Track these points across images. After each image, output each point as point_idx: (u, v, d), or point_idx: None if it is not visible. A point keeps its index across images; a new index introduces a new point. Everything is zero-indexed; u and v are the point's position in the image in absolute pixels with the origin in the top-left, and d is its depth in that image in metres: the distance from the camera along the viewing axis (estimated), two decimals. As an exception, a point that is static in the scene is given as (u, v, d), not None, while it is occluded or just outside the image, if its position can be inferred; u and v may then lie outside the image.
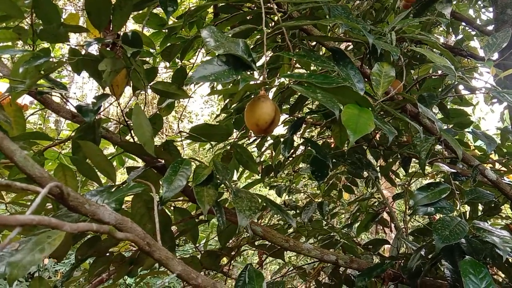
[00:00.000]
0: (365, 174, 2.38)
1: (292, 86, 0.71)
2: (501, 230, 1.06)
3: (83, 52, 1.09)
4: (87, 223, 0.55)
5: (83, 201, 0.63)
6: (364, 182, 2.61)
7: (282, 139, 1.48)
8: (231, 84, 1.64)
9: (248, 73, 0.75)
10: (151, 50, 1.58)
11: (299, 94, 1.52)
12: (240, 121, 1.84)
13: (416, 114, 1.39)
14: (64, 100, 1.04)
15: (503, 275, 1.40)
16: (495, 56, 1.68)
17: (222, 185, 1.02)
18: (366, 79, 1.29)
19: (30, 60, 0.83)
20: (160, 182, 1.01)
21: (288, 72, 0.79)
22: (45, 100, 1.10)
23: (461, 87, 2.30)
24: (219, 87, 2.36)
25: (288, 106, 1.91)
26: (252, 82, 0.72)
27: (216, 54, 0.76)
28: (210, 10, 1.73)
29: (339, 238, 2.18)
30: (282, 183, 3.01)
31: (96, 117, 1.00)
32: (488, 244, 1.00)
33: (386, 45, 0.94)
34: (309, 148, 2.27)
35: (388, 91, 0.97)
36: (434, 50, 1.34)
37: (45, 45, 1.33)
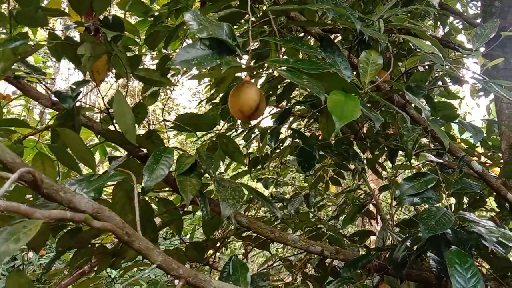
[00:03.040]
0: (352, 166, 2.38)
1: (278, 71, 0.69)
2: (487, 221, 1.06)
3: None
4: (60, 211, 0.52)
5: (58, 188, 0.61)
6: (351, 174, 2.61)
7: (269, 131, 1.46)
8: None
9: (232, 57, 0.73)
10: (136, 40, 1.54)
11: (285, 83, 1.50)
12: (227, 112, 1.81)
13: (403, 105, 1.38)
14: (44, 87, 1.01)
15: (487, 266, 1.40)
16: (483, 48, 1.68)
17: (207, 175, 1.00)
18: (353, 70, 1.27)
19: (5, 42, 0.79)
20: (133, 178, 0.98)
21: (273, 58, 0.77)
22: (24, 87, 1.06)
23: (448, 80, 2.31)
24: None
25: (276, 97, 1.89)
26: (236, 66, 0.70)
27: (199, 37, 0.74)
28: (198, -3, 1.69)
29: (325, 230, 2.18)
30: (269, 176, 3.00)
31: (76, 104, 0.97)
32: (474, 235, 0.99)
33: (374, 32, 0.92)
34: (296, 140, 2.26)
35: (374, 80, 0.95)
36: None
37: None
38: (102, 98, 1.05)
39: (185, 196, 0.84)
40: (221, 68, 0.66)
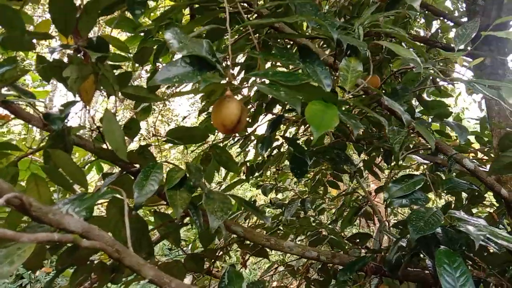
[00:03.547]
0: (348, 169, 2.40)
1: (256, 85, 0.71)
2: (477, 219, 1.07)
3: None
4: (47, 234, 0.54)
5: (47, 210, 0.62)
6: (349, 177, 2.63)
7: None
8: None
9: (213, 73, 0.75)
10: (127, 56, 1.56)
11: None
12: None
13: (391, 108, 1.40)
14: (33, 109, 1.03)
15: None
16: (469, 46, 1.70)
17: (199, 188, 1.02)
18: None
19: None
20: (123, 195, 1.00)
21: (254, 71, 0.78)
22: (15, 109, 1.08)
23: (438, 79, 2.32)
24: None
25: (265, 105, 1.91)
26: (215, 83, 0.72)
27: (180, 55, 0.76)
28: (187, 12, 1.72)
29: (327, 234, 2.19)
30: (268, 183, 3.02)
31: (66, 125, 0.99)
32: (463, 234, 1.01)
33: (353, 39, 0.94)
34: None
35: (358, 84, 0.97)
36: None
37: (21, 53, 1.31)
38: (92, 118, 1.07)
39: (175, 210, 0.86)
40: (199, 85, 0.68)
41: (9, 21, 0.95)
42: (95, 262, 1.27)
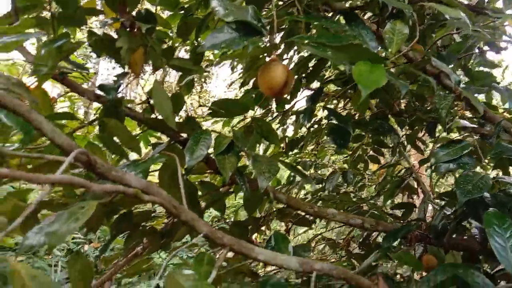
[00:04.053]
0: (389, 142, 2.36)
1: (302, 45, 0.72)
2: (528, 184, 1.04)
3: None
4: (114, 185, 0.59)
5: (110, 167, 0.67)
6: (391, 151, 2.59)
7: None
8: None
9: (259, 37, 0.77)
10: (169, 33, 1.61)
11: (314, 63, 1.52)
12: (260, 97, 1.86)
13: (437, 75, 1.37)
14: (88, 81, 1.09)
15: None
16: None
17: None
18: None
19: (51, 42, 0.87)
20: (176, 160, 1.05)
21: (300, 35, 0.79)
22: (69, 83, 1.15)
23: (486, 48, 2.22)
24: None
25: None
26: (262, 46, 0.74)
27: (226, 22, 0.78)
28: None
29: (368, 209, 2.18)
30: (307, 159, 3.02)
31: (118, 95, 1.04)
32: (513, 197, 0.99)
33: (398, 2, 0.92)
34: (331, 119, 2.27)
35: (401, 50, 0.96)
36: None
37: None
38: (142, 88, 1.12)
39: (224, 173, 0.89)
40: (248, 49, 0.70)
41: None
42: (147, 228, 1.35)
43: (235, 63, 2.60)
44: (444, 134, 2.19)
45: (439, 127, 2.06)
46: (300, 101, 2.47)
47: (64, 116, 1.06)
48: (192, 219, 0.76)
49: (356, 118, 2.18)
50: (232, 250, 0.78)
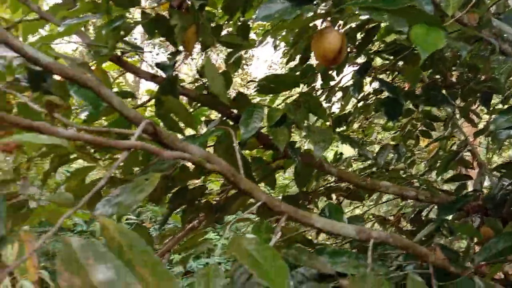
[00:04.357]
0: (442, 116, 2.28)
1: (359, 10, 0.71)
2: None
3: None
4: (181, 152, 0.62)
5: (174, 138, 0.71)
6: (443, 125, 2.50)
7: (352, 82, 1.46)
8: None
9: (311, 5, 0.77)
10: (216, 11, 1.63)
11: (363, 34, 1.48)
12: (306, 73, 1.84)
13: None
14: (144, 60, 1.13)
15: None
16: None
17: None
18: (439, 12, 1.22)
19: (109, 23, 0.91)
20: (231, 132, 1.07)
21: (353, 0, 0.78)
22: (126, 64, 1.20)
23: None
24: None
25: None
26: (315, 14, 0.74)
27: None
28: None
29: (419, 185, 2.13)
30: (355, 136, 2.98)
31: (174, 73, 1.08)
32: None
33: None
34: (379, 95, 2.22)
35: (455, 16, 0.92)
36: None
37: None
38: (196, 66, 1.15)
39: (279, 144, 0.91)
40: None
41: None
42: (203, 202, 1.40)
43: (278, 41, 2.59)
44: (500, 106, 2.08)
45: (495, 98, 1.96)
46: (345, 78, 2.44)
47: (126, 94, 1.11)
48: (251, 188, 0.78)
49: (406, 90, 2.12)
50: (290, 217, 0.80)
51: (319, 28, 0.82)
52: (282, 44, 2.65)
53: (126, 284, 0.36)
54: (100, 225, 0.44)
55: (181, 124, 1.13)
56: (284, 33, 2.47)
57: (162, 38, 1.23)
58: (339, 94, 2.49)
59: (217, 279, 0.64)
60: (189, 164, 1.32)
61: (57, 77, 0.89)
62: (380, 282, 0.74)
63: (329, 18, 0.80)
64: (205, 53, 1.47)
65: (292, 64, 1.87)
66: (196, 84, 1.30)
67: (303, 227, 1.05)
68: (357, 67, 1.68)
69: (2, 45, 0.86)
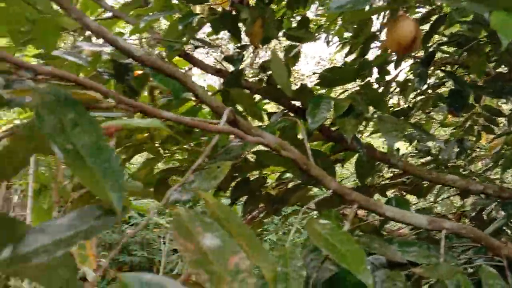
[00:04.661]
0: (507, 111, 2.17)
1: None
2: None
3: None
4: (262, 138, 0.65)
5: (250, 126, 0.74)
6: (507, 120, 2.38)
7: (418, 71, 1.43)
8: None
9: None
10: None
11: (430, 24, 1.45)
12: (365, 65, 1.82)
13: None
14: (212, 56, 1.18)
15: None
16: None
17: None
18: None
19: (184, 17, 0.96)
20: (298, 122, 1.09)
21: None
22: (193, 59, 1.25)
23: None
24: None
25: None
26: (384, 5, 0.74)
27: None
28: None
29: (480, 182, 2.05)
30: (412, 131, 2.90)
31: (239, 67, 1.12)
32: None
33: None
34: (441, 86, 2.16)
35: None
36: None
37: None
38: (260, 59, 1.18)
39: (347, 134, 0.92)
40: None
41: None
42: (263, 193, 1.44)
43: (330, 37, 2.58)
44: None
45: None
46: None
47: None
48: (322, 175, 0.80)
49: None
50: (361, 206, 0.81)
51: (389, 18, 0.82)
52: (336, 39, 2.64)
53: (232, 251, 0.39)
54: (205, 200, 0.48)
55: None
56: (337, 28, 2.46)
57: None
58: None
59: (294, 260, 0.66)
60: (249, 156, 1.36)
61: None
62: (453, 271, 0.74)
63: (403, 8, 0.80)
64: (262, 47, 1.50)
65: (345, 58, 1.86)
66: (256, 78, 1.33)
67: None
68: (418, 60, 1.64)
69: (83, 41, 0.93)
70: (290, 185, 1.58)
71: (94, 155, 0.39)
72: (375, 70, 1.85)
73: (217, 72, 1.28)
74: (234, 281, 0.37)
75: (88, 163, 0.38)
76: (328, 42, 2.79)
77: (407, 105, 2.33)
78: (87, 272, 4.12)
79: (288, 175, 1.66)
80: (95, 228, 0.39)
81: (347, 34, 2.58)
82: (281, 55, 1.37)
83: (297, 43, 1.42)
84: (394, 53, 1.34)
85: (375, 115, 0.97)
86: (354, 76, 1.39)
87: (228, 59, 1.09)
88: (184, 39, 1.01)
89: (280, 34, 1.26)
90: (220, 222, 0.45)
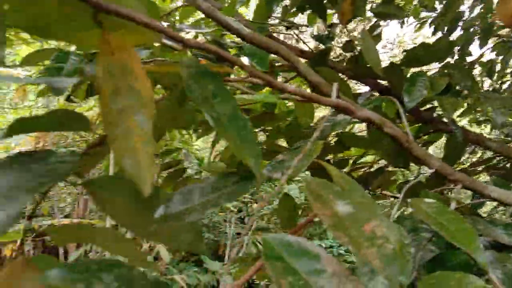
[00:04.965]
0: None
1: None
2: None
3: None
4: (371, 112, 0.64)
5: (352, 102, 0.73)
6: None
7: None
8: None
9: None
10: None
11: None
12: (453, 44, 1.73)
13: None
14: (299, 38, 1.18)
15: None
16: None
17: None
18: None
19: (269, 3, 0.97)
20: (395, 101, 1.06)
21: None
22: (277, 41, 1.26)
23: None
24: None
25: None
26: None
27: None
28: None
29: None
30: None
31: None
32: None
33: None
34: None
35: None
36: None
37: None
38: (352, 40, 1.16)
39: (447, 112, 0.88)
40: None
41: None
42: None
43: (406, 18, 2.47)
44: None
45: None
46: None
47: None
48: (424, 154, 0.78)
49: None
50: (465, 186, 0.78)
51: None
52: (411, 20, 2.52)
53: (366, 218, 0.40)
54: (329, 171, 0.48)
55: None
56: (412, 7, 2.34)
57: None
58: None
59: (402, 237, 0.66)
60: (329, 139, 1.36)
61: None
62: None
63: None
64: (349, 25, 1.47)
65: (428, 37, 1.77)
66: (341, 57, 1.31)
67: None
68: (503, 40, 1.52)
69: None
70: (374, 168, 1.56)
71: (232, 123, 0.41)
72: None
73: (302, 53, 1.28)
74: (372, 246, 0.37)
75: (229, 130, 0.40)
76: (402, 23, 2.68)
77: (492, 87, 2.19)
78: (162, 252, 4.37)
79: (363, 159, 1.64)
80: (235, 190, 0.41)
81: (424, 14, 2.46)
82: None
83: (380, 23, 1.38)
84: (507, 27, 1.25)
85: (474, 94, 0.91)
86: (445, 55, 1.32)
87: (318, 38, 1.08)
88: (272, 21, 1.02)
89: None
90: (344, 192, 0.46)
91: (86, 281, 0.24)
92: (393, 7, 1.14)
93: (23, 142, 3.93)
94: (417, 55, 1.30)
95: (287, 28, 1.16)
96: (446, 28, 1.63)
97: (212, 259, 4.91)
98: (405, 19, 2.50)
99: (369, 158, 1.81)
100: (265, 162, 0.73)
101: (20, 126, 0.31)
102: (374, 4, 1.67)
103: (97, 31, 0.36)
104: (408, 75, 0.98)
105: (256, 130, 1.50)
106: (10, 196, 0.31)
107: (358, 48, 1.27)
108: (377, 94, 1.32)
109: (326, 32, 1.09)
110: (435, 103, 1.29)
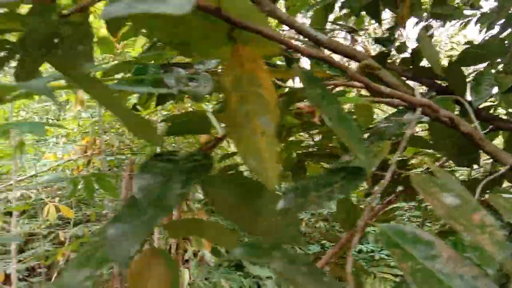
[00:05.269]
0: None
1: None
2: None
3: None
4: (448, 112, 0.67)
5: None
6: None
7: None
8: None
9: None
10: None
11: None
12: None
13: None
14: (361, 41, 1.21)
15: None
16: None
17: None
18: None
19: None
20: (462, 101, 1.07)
21: None
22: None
23: None
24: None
25: None
26: None
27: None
28: None
29: None
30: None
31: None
32: None
33: None
34: None
35: None
36: None
37: None
38: (401, 45, 1.18)
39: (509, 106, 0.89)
40: None
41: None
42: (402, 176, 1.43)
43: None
44: None
45: None
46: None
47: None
48: (496, 150, 0.79)
49: None
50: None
51: None
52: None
53: (473, 208, 0.42)
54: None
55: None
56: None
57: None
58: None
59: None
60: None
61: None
62: None
63: None
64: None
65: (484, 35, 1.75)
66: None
67: None
68: None
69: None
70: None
71: (341, 122, 0.45)
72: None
73: (354, 56, 1.30)
74: (484, 233, 0.40)
75: (341, 129, 0.44)
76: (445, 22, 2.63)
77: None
78: (207, 256, 4.47)
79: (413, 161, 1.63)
80: (346, 185, 0.45)
81: (468, 12, 2.41)
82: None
83: (434, 23, 1.39)
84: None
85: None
86: (502, 52, 1.31)
87: (378, 40, 1.11)
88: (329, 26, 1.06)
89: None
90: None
91: (264, 255, 0.28)
92: (450, 7, 1.15)
93: (72, 152, 4.10)
94: (475, 53, 1.30)
95: (349, 32, 1.19)
96: (498, 26, 1.61)
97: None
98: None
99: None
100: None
101: (175, 128, 0.36)
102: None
103: (227, 46, 0.41)
104: (473, 75, 0.99)
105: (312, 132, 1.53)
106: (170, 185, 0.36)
107: (409, 49, 1.29)
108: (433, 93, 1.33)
109: (387, 35, 1.12)
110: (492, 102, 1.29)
